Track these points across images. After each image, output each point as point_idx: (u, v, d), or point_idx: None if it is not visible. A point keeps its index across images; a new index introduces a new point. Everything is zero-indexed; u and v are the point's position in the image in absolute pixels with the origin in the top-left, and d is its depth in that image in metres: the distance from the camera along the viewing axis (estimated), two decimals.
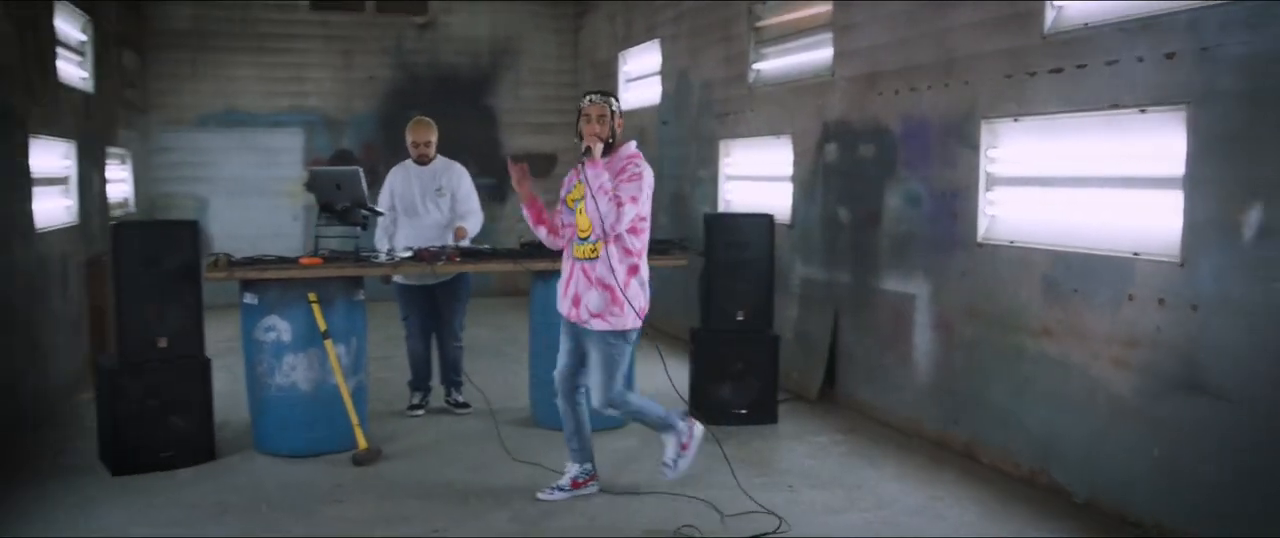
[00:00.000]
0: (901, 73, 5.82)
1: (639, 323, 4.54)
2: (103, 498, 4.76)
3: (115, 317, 5.21)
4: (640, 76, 10.24)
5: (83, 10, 8.00)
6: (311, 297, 5.34)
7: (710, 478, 5.03)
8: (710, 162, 8.34)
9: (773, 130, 7.33)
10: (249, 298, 5.39)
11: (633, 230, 4.48)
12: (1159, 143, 4.19)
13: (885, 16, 5.95)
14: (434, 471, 5.20)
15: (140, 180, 10.29)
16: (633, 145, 4.60)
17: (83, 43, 8.17)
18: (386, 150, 11.38)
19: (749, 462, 5.32)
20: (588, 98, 4.52)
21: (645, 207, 4.47)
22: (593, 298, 4.47)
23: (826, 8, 6.63)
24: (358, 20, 11.52)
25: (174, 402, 5.24)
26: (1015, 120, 5.00)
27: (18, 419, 5.75)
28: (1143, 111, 4.26)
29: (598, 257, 4.46)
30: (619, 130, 4.54)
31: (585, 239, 4.51)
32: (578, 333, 4.64)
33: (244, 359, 5.54)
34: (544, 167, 12.23)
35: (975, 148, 5.24)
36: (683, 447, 4.69)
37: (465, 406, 6.45)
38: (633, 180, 4.40)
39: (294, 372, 5.37)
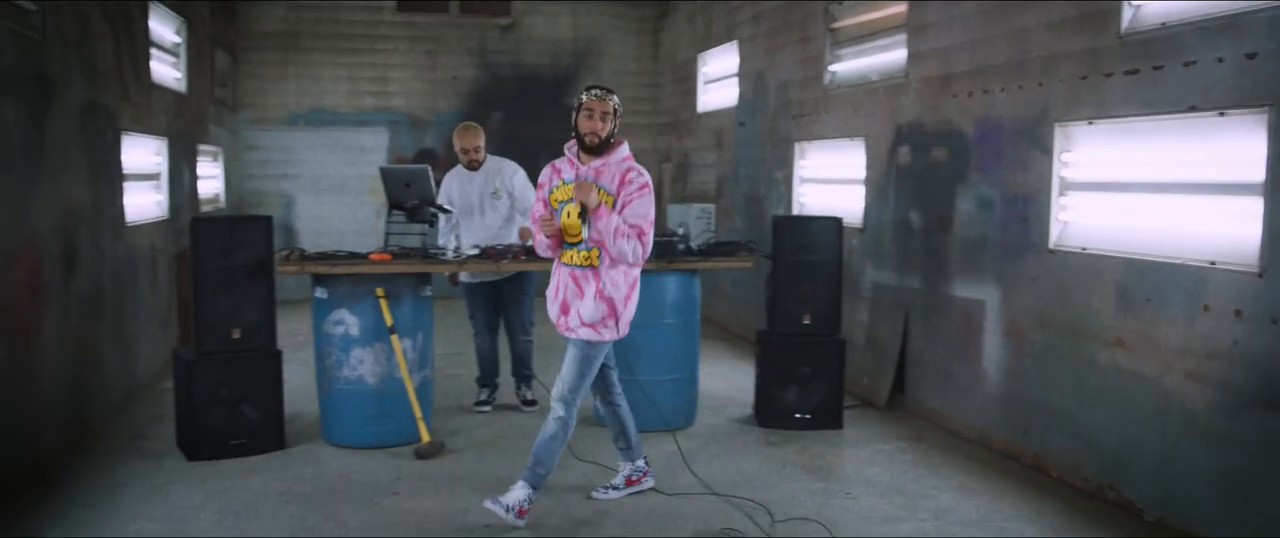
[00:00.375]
0: (974, 74, 5.69)
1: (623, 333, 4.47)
2: (175, 482, 4.95)
3: (192, 308, 5.39)
4: (719, 78, 10.20)
5: (177, 13, 8.32)
6: (379, 292, 5.45)
7: (767, 481, 5.01)
8: (785, 164, 8.26)
9: (847, 133, 7.23)
10: (320, 292, 5.53)
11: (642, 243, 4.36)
12: (1239, 147, 4.01)
13: (959, 17, 5.82)
14: (494, 466, 5.26)
15: (231, 177, 10.67)
16: (626, 148, 4.41)
17: (176, 44, 8.50)
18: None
19: (809, 467, 5.27)
20: (591, 92, 4.33)
21: (652, 216, 4.34)
22: (587, 308, 4.34)
23: (901, 8, 6.51)
24: (442, 21, 11.73)
25: (246, 392, 5.41)
26: (1089, 123, 4.84)
27: (103, 405, 6.00)
28: (1222, 114, 4.08)
29: (592, 265, 4.33)
30: (617, 130, 4.36)
31: (576, 244, 4.34)
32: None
33: (314, 352, 5.69)
34: None
35: (1048, 151, 5.08)
36: (630, 482, 4.80)
37: (533, 403, 6.52)
38: (641, 195, 4.26)
39: (361, 365, 5.50)
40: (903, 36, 6.47)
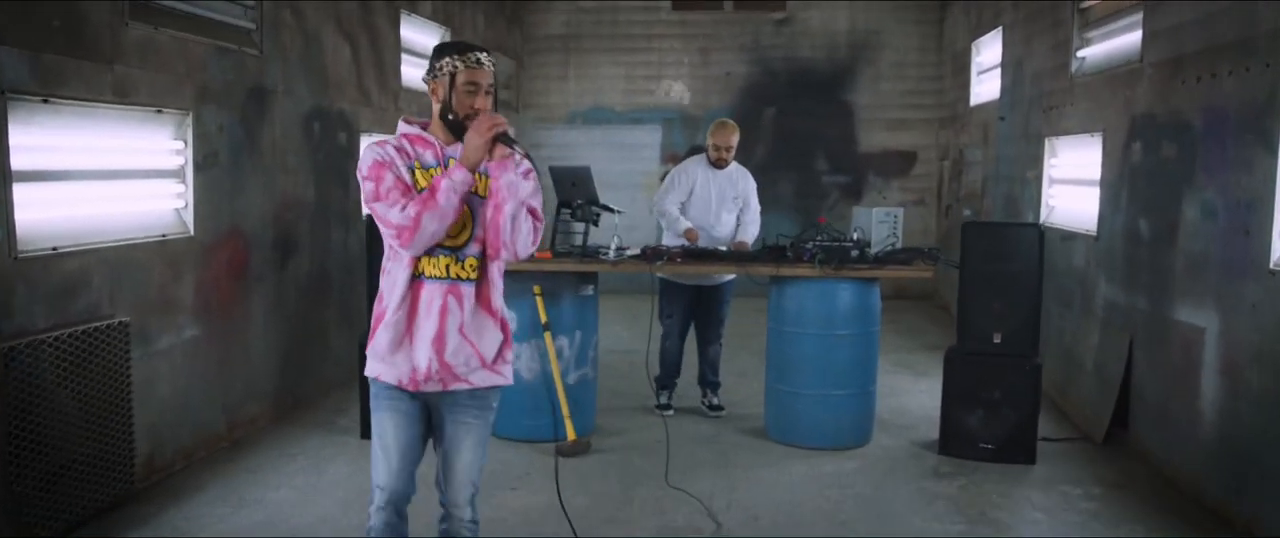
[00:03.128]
0: (1204, 54, 4.73)
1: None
2: (339, 458, 5.35)
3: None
4: (990, 68, 9.32)
5: (440, 22, 8.94)
6: (536, 290, 5.53)
7: (893, 514, 4.51)
8: (1037, 162, 7.37)
9: (1088, 127, 6.31)
10: None
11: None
12: None
13: None
14: (632, 469, 5.17)
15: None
16: None
17: None
18: (742, 147, 11.46)
19: (961, 505, 4.68)
20: (471, 55, 2.98)
21: None
22: (483, 336, 3.03)
23: None
24: (716, 18, 11.70)
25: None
26: None
27: (323, 381, 6.59)
28: None
29: (471, 278, 3.00)
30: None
31: (457, 250, 2.99)
32: (426, 407, 3.10)
33: None
34: (902, 165, 11.63)
35: (1273, 149, 4.11)
36: None
37: (720, 408, 6.34)
38: (529, 176, 3.02)
39: (518, 360, 5.59)
40: (1140, 14, 5.52)
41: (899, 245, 5.69)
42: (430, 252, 2.95)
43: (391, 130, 7.73)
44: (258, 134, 5.83)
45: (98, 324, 4.34)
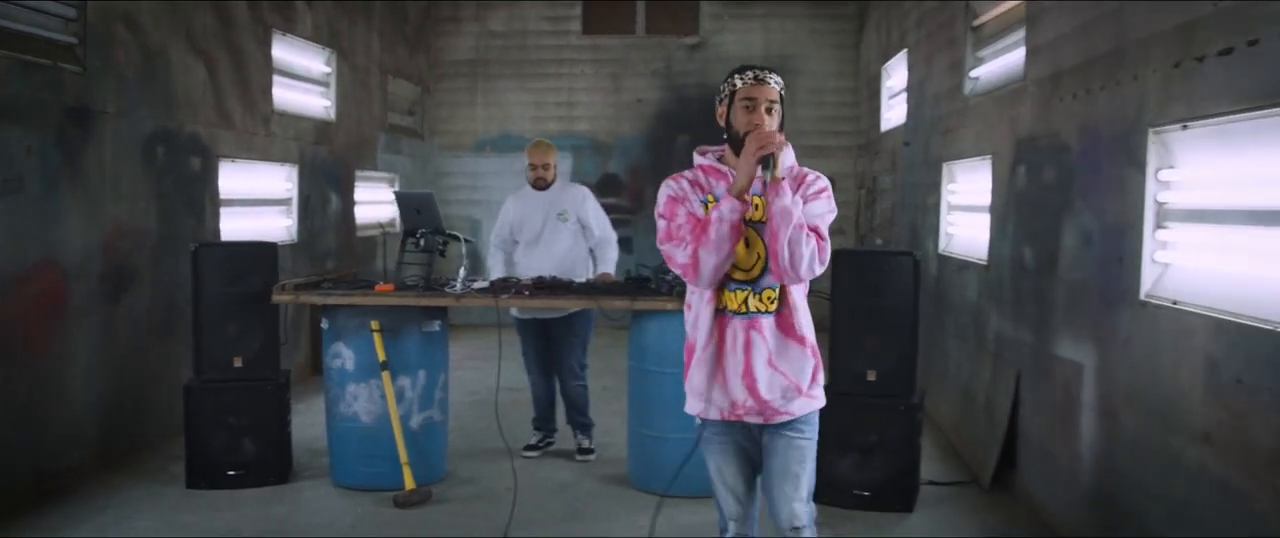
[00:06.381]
0: (1080, 69, 4.39)
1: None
2: (155, 509, 4.86)
3: (195, 335, 5.25)
4: (897, 92, 9.02)
5: (325, 45, 8.47)
6: (374, 325, 5.05)
7: None
8: (936, 188, 7.03)
9: (979, 150, 5.97)
10: (324, 323, 5.23)
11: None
12: None
13: None
14: (468, 524, 4.69)
15: None
16: (792, 153, 2.98)
17: (326, 74, 8.66)
18: (652, 174, 11.12)
19: None
20: (748, 73, 2.94)
21: None
22: (795, 367, 2.91)
23: None
24: (627, 43, 11.36)
25: (249, 422, 5.19)
26: (1183, 128, 3.49)
27: (165, 421, 6.00)
28: None
29: (774, 311, 2.91)
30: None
31: (752, 282, 2.92)
32: (753, 439, 3.03)
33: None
34: None
35: (1141, 167, 3.75)
36: None
37: (589, 452, 5.89)
38: (821, 197, 2.94)
39: (355, 402, 5.13)
40: (1023, 30, 5.20)
41: None
42: (728, 285, 2.91)
43: (259, 155, 7.28)
44: (80, 158, 5.32)
45: None
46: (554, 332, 5.82)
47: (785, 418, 2.94)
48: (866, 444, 4.92)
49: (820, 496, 4.85)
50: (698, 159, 3.02)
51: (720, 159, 3.01)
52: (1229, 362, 3.13)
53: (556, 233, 5.86)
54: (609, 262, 5.94)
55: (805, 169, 3.01)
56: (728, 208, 2.79)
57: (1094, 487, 4.14)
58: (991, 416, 5.41)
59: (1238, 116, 3.15)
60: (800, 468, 2.98)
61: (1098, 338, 4.13)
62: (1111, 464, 3.98)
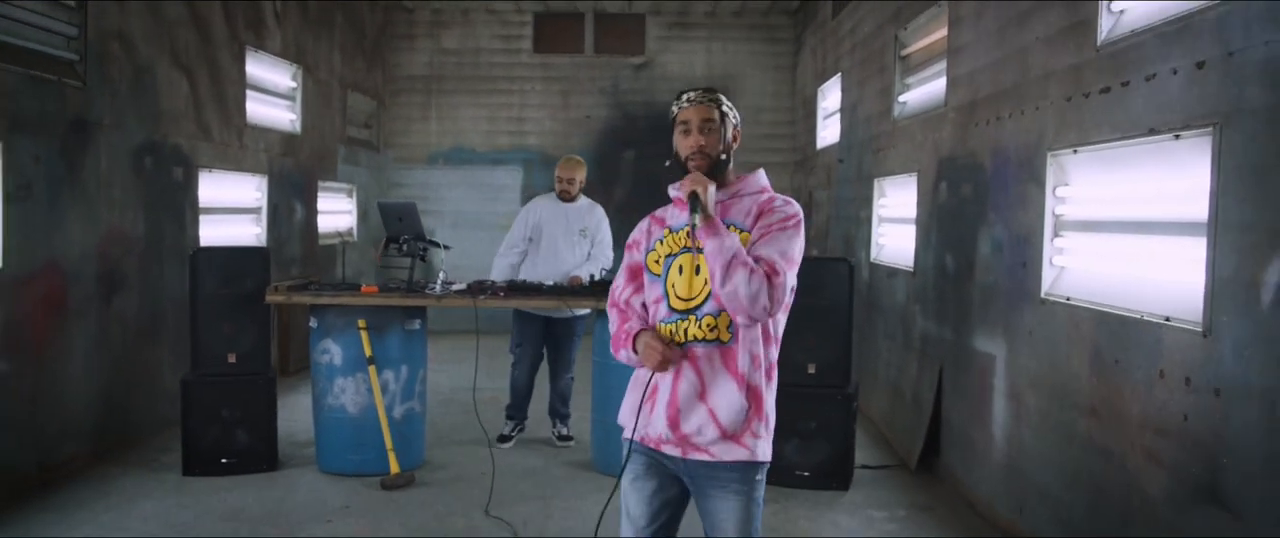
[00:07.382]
0: (993, 99, 5.05)
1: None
2: (154, 495, 5.20)
3: (192, 333, 5.65)
4: (831, 113, 9.69)
5: (292, 60, 8.87)
6: (361, 324, 5.50)
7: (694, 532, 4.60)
8: (867, 202, 7.69)
9: (907, 167, 6.63)
10: (312, 322, 5.66)
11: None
12: (1191, 176, 3.29)
13: (987, 35, 5.19)
14: (450, 502, 5.16)
15: (373, 213, 11.22)
16: (763, 177, 2.88)
17: (292, 88, 9.05)
18: (600, 188, 11.60)
19: (773, 528, 4.80)
20: (682, 98, 2.88)
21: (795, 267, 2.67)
22: (723, 402, 2.64)
23: (945, 31, 5.91)
24: (577, 62, 11.90)
25: (241, 414, 5.60)
26: (1074, 152, 4.15)
27: (153, 420, 6.37)
28: (1177, 137, 3.37)
29: (719, 340, 2.66)
30: (735, 145, 2.87)
31: (691, 311, 2.70)
32: (671, 474, 2.79)
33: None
34: None
35: (1042, 185, 4.41)
36: None
37: (569, 438, 6.43)
38: (784, 228, 2.67)
39: (343, 394, 5.57)
40: (945, 62, 5.86)
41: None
42: (662, 319, 2.75)
43: (233, 166, 7.66)
44: (80, 167, 5.69)
45: None
46: (557, 330, 6.36)
47: (704, 457, 2.67)
48: (807, 430, 5.50)
49: (768, 477, 5.49)
50: (672, 192, 2.89)
51: (683, 191, 2.81)
52: (1109, 347, 3.77)
53: (573, 247, 6.37)
54: (596, 267, 6.41)
55: (775, 196, 2.78)
56: (626, 357, 2.80)
57: (1006, 463, 4.78)
58: (918, 406, 6.05)
59: (1114, 144, 3.80)
60: (729, 529, 2.71)
61: (1007, 332, 4.78)
62: (1020, 441, 4.62)
